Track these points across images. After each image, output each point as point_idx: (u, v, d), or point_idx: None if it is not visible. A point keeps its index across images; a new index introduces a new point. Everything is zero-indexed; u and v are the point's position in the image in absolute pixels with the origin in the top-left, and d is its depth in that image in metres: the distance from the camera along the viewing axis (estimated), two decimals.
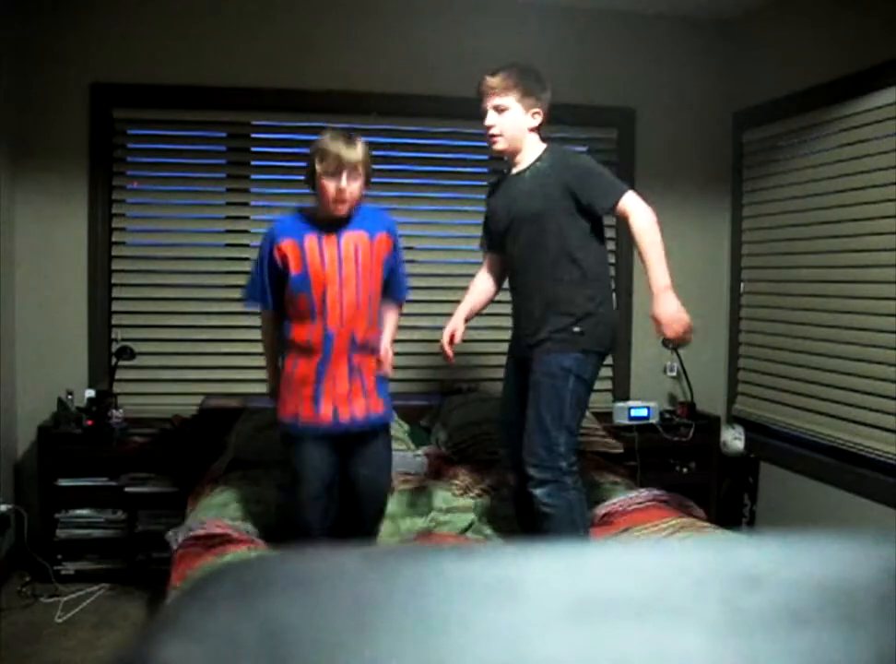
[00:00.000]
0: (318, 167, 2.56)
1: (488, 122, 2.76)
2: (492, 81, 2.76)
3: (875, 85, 3.31)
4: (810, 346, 3.73)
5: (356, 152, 2.59)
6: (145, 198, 4.03)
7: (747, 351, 4.25)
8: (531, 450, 2.59)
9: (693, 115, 4.32)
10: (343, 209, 2.58)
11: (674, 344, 2.72)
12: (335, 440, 2.63)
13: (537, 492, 2.57)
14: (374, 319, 2.66)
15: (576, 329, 2.59)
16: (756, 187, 4.18)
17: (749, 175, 4.24)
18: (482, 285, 2.92)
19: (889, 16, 3.22)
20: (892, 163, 3.24)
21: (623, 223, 2.65)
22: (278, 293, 2.64)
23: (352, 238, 2.62)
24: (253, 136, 4.12)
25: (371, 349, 2.65)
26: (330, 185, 2.55)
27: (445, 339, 2.79)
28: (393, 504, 3.03)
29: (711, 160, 4.36)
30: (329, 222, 2.60)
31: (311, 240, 2.59)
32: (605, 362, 2.79)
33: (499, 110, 2.74)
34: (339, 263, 2.59)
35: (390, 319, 2.77)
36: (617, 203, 2.59)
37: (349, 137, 2.62)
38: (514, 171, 2.78)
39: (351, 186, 2.57)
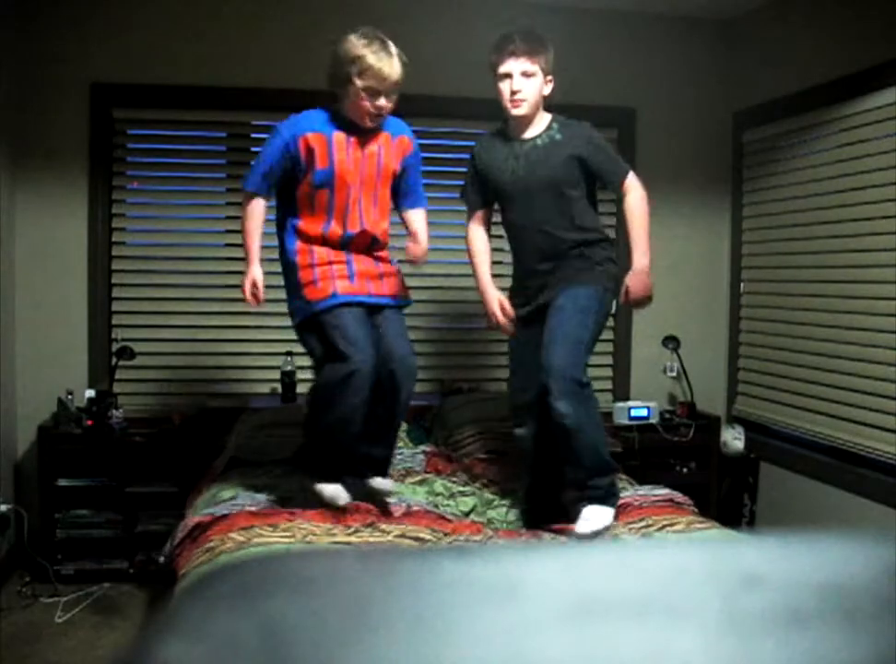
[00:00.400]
0: (357, 80, 2.56)
1: (516, 86, 2.73)
2: (523, 45, 2.75)
3: (875, 85, 3.31)
4: (810, 346, 3.73)
5: (399, 69, 2.59)
6: (145, 198, 4.04)
7: (747, 351, 4.25)
8: (554, 363, 2.61)
9: (693, 115, 4.32)
10: (376, 123, 2.61)
11: (633, 307, 2.87)
12: (369, 315, 2.64)
13: (561, 404, 2.57)
14: (387, 217, 2.76)
15: (599, 268, 2.78)
16: (756, 187, 4.18)
17: (749, 175, 4.24)
18: (485, 245, 2.95)
19: (889, 16, 3.22)
20: (892, 163, 3.24)
21: (618, 199, 2.86)
22: (282, 186, 2.66)
23: (376, 139, 2.66)
24: (253, 136, 4.12)
25: (385, 245, 2.75)
26: (367, 103, 2.55)
27: (497, 311, 2.78)
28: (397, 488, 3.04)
29: (711, 160, 4.36)
30: (356, 123, 2.63)
31: (339, 137, 2.59)
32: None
33: (526, 74, 2.75)
34: (363, 164, 2.61)
35: (421, 222, 2.80)
36: (624, 179, 2.78)
37: (389, 50, 2.61)
38: (525, 136, 2.81)
39: (389, 104, 2.59)
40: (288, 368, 3.84)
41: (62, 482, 3.51)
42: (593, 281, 2.74)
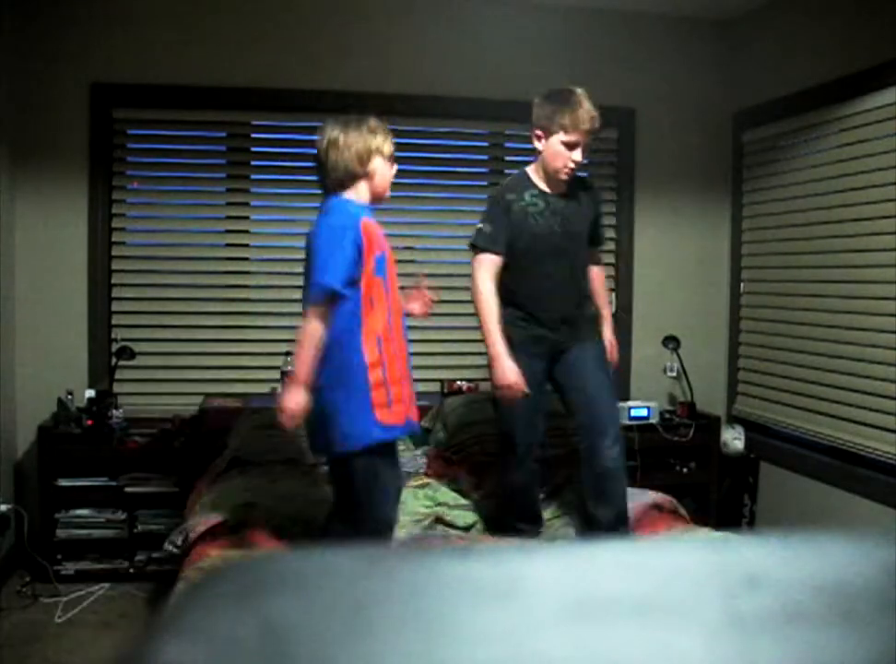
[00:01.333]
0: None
1: (581, 158, 2.79)
2: (598, 125, 2.80)
3: (875, 85, 3.31)
4: (810, 346, 3.73)
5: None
6: (145, 198, 4.03)
7: (747, 351, 4.25)
8: (606, 413, 2.82)
9: (693, 115, 4.32)
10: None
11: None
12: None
13: (615, 450, 2.77)
14: None
15: (594, 322, 2.98)
16: (756, 187, 4.18)
17: (749, 175, 4.24)
18: (497, 302, 2.80)
19: (888, 16, 3.22)
20: (892, 163, 3.24)
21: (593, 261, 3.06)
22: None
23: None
24: (253, 136, 4.12)
25: None
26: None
27: (520, 383, 2.68)
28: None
29: (711, 160, 4.36)
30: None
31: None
32: None
33: (586, 146, 2.82)
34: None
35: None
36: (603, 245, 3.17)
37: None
38: (558, 192, 2.86)
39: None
40: (289, 368, 3.84)
41: (62, 482, 3.51)
42: (598, 335, 2.96)
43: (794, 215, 3.86)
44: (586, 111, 2.71)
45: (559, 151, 2.74)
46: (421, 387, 4.11)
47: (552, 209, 2.83)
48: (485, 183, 4.33)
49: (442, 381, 4.11)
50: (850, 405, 3.48)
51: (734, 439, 4.04)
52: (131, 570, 3.56)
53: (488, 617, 0.34)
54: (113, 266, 3.91)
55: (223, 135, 4.06)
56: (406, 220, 4.16)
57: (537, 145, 2.81)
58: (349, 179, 2.52)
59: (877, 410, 3.34)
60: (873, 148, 3.37)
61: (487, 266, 2.78)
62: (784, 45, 3.89)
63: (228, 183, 4.07)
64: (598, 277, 3.05)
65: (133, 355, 3.71)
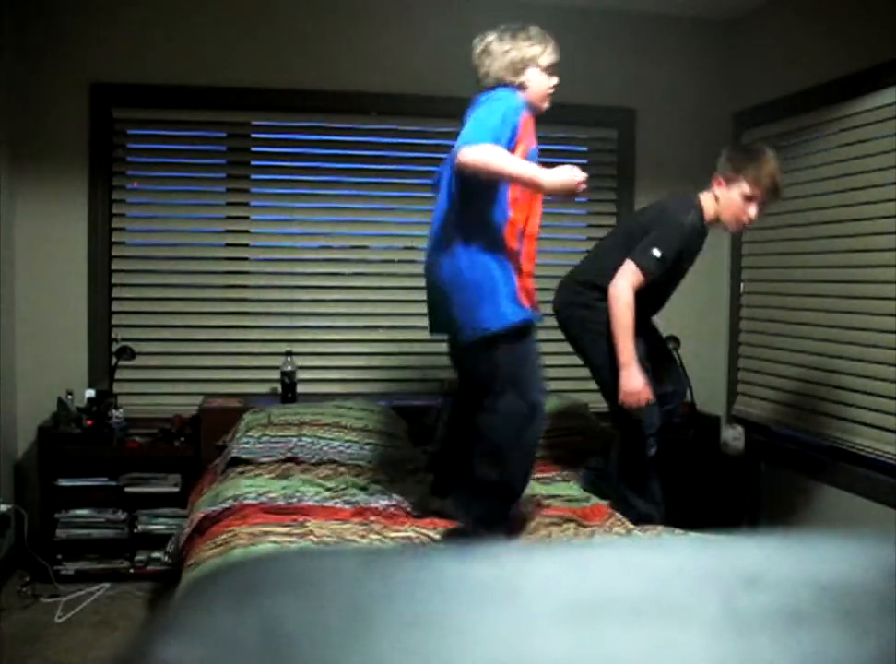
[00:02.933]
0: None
1: (756, 216, 2.96)
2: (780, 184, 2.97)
3: (875, 85, 3.31)
4: (810, 346, 3.73)
5: None
6: (145, 198, 4.03)
7: (747, 351, 4.25)
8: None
9: (693, 115, 4.32)
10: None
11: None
12: None
13: None
14: None
15: None
16: None
17: None
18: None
19: (889, 16, 3.22)
20: (892, 163, 3.24)
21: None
22: None
23: None
24: (253, 136, 4.12)
25: None
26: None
27: (648, 392, 2.78)
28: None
29: (711, 160, 4.34)
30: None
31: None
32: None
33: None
34: None
35: None
36: None
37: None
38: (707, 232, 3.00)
39: None
40: (288, 368, 3.84)
41: (62, 482, 3.51)
42: None
43: (794, 215, 3.86)
44: (773, 168, 2.82)
45: (738, 204, 2.86)
46: (422, 387, 4.12)
47: (700, 246, 3.00)
48: None
49: (442, 381, 4.11)
50: (850, 405, 3.48)
51: (734, 439, 4.04)
52: (131, 570, 3.56)
53: (488, 617, 0.34)
54: (113, 266, 3.91)
55: (223, 135, 4.06)
56: (406, 220, 4.16)
57: (717, 190, 2.91)
58: (501, 88, 2.47)
59: (877, 410, 3.34)
60: (873, 148, 3.37)
61: (636, 283, 2.80)
62: (784, 45, 3.89)
63: (228, 183, 4.07)
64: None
65: (133, 355, 3.71)
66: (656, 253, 2.78)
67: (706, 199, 2.93)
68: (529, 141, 2.46)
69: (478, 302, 2.40)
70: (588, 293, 2.95)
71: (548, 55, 2.51)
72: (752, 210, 2.85)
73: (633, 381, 2.74)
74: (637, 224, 3.01)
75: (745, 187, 2.82)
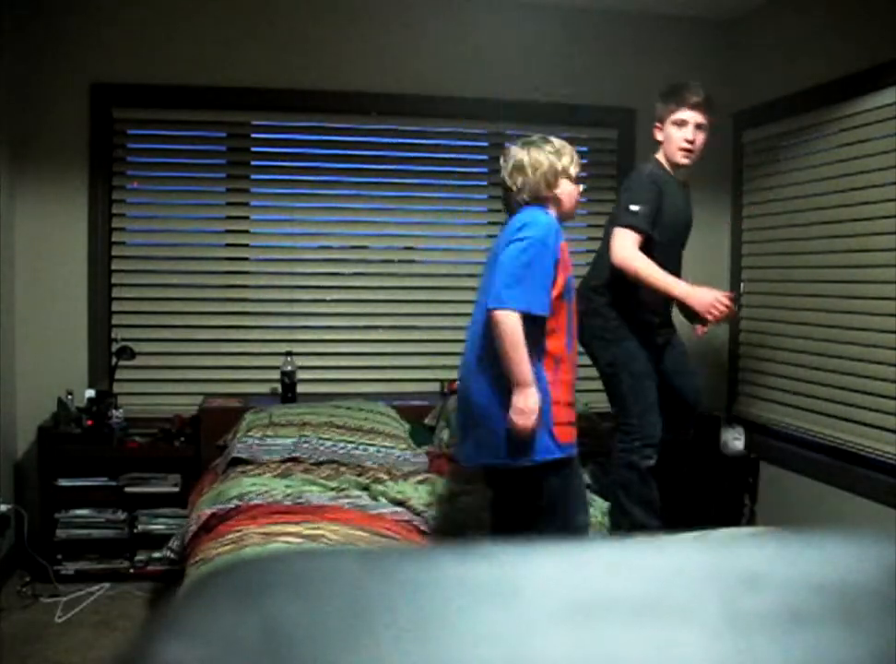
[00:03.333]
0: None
1: (692, 136, 2.90)
2: (703, 98, 2.90)
3: (875, 85, 3.31)
4: (810, 346, 3.73)
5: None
6: (145, 198, 4.03)
7: (747, 351, 4.25)
8: (699, 399, 3.27)
9: None
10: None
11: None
12: None
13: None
14: None
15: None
16: (756, 187, 4.18)
17: (749, 175, 4.24)
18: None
19: (889, 16, 3.22)
20: (892, 163, 3.23)
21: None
22: None
23: None
24: (253, 136, 4.12)
25: None
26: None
27: (728, 300, 2.81)
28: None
29: (711, 160, 4.34)
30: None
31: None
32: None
33: (699, 127, 2.93)
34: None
35: None
36: None
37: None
38: (678, 181, 3.00)
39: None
40: (288, 368, 3.84)
41: (62, 482, 3.51)
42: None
43: (794, 215, 3.86)
44: (693, 88, 2.88)
45: (671, 134, 2.91)
46: (422, 387, 4.11)
47: (686, 200, 3.02)
48: (485, 184, 4.33)
49: (442, 381, 4.11)
50: (850, 405, 3.48)
51: (734, 439, 4.04)
52: (131, 570, 3.56)
53: (487, 617, 0.34)
54: (113, 266, 3.91)
55: (223, 135, 4.06)
56: (406, 221, 4.16)
57: (658, 137, 2.98)
58: (536, 202, 2.48)
59: (877, 410, 3.34)
60: (873, 148, 3.37)
61: (634, 243, 2.81)
62: (784, 45, 3.89)
63: (228, 184, 4.07)
64: None
65: (133, 355, 3.71)
66: (633, 208, 2.82)
67: (658, 155, 3.02)
68: (567, 267, 2.50)
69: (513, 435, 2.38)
70: (597, 299, 2.96)
71: (575, 165, 2.53)
72: (685, 133, 2.90)
73: (709, 296, 2.80)
74: (612, 214, 3.11)
75: (667, 115, 2.93)
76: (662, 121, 2.94)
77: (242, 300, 4.08)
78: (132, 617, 3.22)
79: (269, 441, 3.40)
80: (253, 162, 4.11)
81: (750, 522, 4.02)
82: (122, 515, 3.55)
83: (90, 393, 3.64)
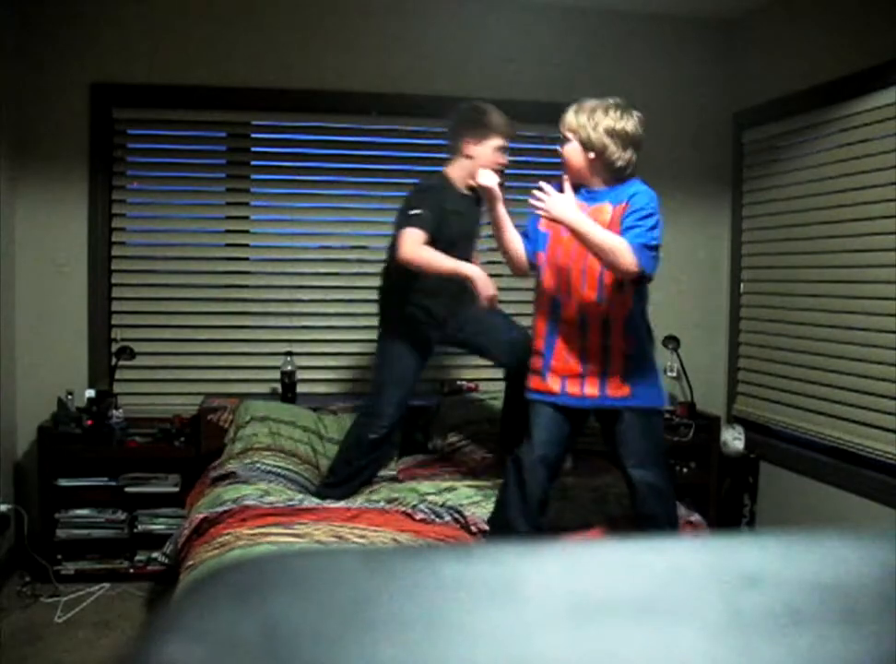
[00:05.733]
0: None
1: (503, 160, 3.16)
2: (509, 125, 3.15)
3: (875, 85, 3.31)
4: (810, 346, 3.73)
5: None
6: (145, 198, 4.03)
7: (747, 351, 4.25)
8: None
9: (693, 115, 4.32)
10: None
11: None
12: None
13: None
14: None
15: None
16: (756, 187, 4.18)
17: (749, 175, 4.24)
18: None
19: (889, 16, 3.22)
20: (892, 163, 3.24)
21: None
22: None
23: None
24: (253, 136, 4.12)
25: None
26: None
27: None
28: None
29: (711, 160, 4.35)
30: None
31: None
32: None
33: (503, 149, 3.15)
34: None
35: None
36: None
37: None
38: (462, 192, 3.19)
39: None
40: (288, 368, 3.84)
41: (62, 482, 3.51)
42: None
43: (794, 215, 3.86)
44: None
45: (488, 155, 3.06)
46: (420, 387, 4.11)
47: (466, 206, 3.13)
48: None
49: (441, 381, 4.11)
50: (850, 405, 3.48)
51: (734, 439, 4.04)
52: (131, 570, 3.56)
53: (488, 617, 0.34)
54: (113, 267, 3.91)
55: (223, 135, 4.06)
56: None
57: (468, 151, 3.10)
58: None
59: (877, 410, 3.34)
60: (873, 148, 3.37)
61: (415, 240, 2.95)
62: (784, 45, 3.89)
63: (228, 183, 4.07)
64: None
65: (133, 355, 3.71)
66: (414, 211, 2.97)
67: (451, 168, 3.13)
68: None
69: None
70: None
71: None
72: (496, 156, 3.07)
73: (489, 281, 2.87)
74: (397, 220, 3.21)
75: (493, 140, 3.06)
76: (476, 139, 3.06)
77: (242, 300, 4.08)
78: (132, 617, 3.22)
79: (267, 467, 3.38)
80: (253, 162, 4.11)
81: (750, 522, 4.02)
82: (122, 515, 3.55)
83: (90, 393, 3.64)
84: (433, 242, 2.94)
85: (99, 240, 3.85)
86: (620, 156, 2.56)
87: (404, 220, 2.98)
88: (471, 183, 2.99)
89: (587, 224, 2.44)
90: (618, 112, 2.56)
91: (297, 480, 3.27)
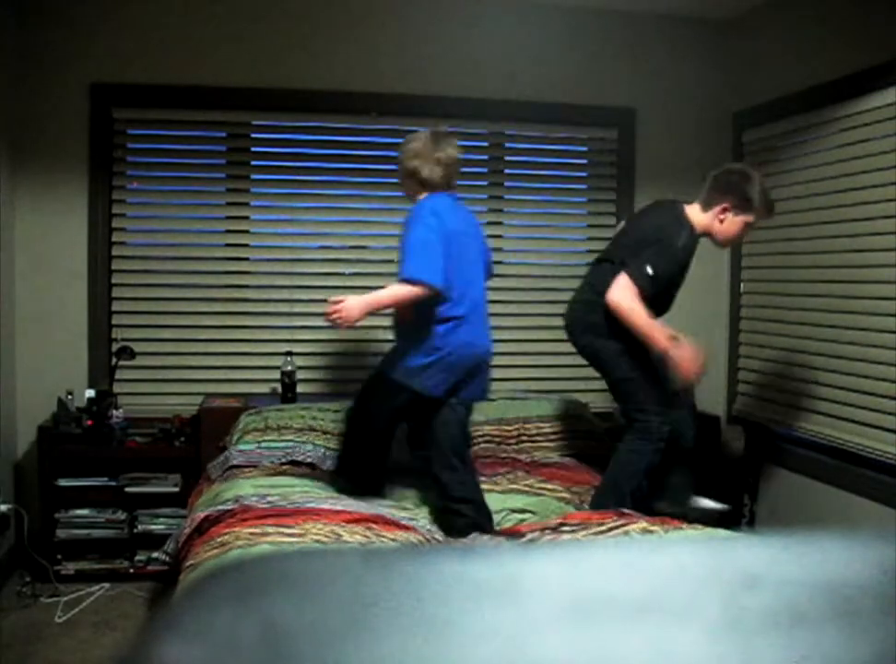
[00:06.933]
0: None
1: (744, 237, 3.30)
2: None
3: (875, 85, 3.31)
4: (810, 346, 3.73)
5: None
6: (145, 198, 4.03)
7: (747, 351, 4.25)
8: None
9: (693, 115, 4.32)
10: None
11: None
12: None
13: None
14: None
15: None
16: None
17: None
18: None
19: (889, 16, 3.22)
20: (892, 163, 3.23)
21: None
22: None
23: None
24: (253, 136, 4.12)
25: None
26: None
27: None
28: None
29: (711, 160, 4.34)
30: None
31: None
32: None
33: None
34: None
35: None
36: None
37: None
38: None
39: None
40: (289, 368, 3.84)
41: (62, 482, 3.51)
42: None
43: (793, 215, 3.86)
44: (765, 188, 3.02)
45: (735, 224, 3.00)
46: None
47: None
48: (485, 184, 4.33)
49: None
50: (850, 405, 3.48)
51: (734, 439, 4.04)
52: (131, 570, 3.56)
53: (488, 617, 0.34)
54: (113, 266, 3.90)
55: (223, 135, 4.05)
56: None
57: (721, 215, 3.01)
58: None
59: (877, 410, 3.34)
60: (873, 147, 3.37)
61: (631, 293, 2.90)
62: (784, 45, 3.89)
63: (228, 183, 4.07)
64: None
65: (133, 355, 3.71)
66: (649, 270, 2.88)
67: (694, 213, 3.01)
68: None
69: None
70: (596, 314, 3.00)
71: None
72: (743, 232, 3.07)
73: (684, 353, 2.85)
74: (630, 239, 3.06)
75: (749, 216, 2.98)
76: (735, 210, 2.97)
77: (242, 300, 4.07)
78: (132, 617, 3.22)
79: (266, 447, 3.40)
80: (253, 162, 4.11)
81: (750, 522, 4.02)
82: (122, 515, 3.55)
83: (90, 393, 3.64)
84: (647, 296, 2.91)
85: (99, 240, 3.85)
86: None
87: (634, 269, 2.89)
88: (709, 236, 3.00)
89: (374, 298, 2.83)
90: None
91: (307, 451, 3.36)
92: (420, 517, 2.93)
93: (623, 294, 2.85)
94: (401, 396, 2.84)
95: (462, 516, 2.82)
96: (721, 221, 2.99)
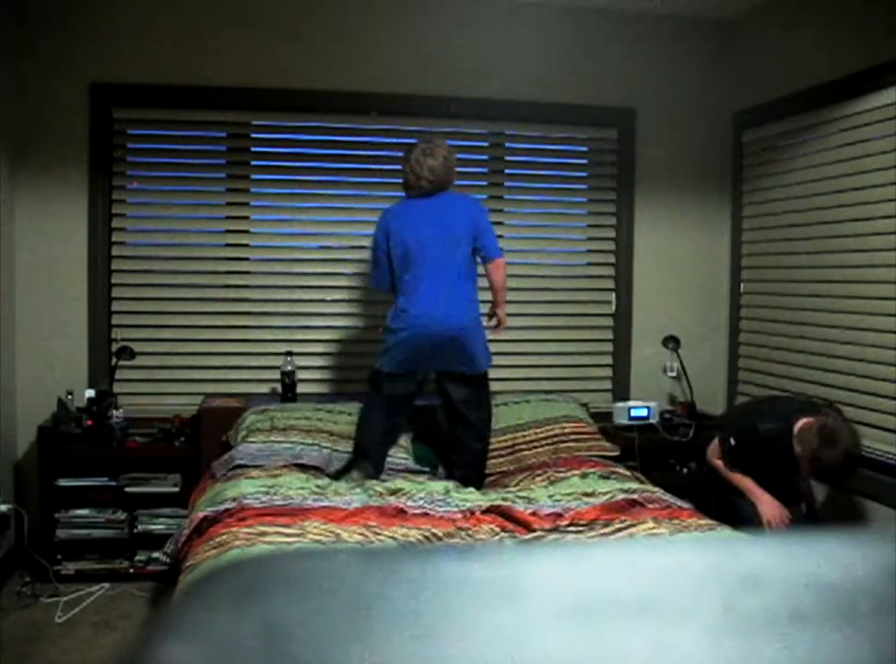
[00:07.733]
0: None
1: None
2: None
3: (875, 85, 3.31)
4: (810, 346, 3.73)
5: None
6: (145, 198, 4.03)
7: (747, 351, 4.25)
8: None
9: (693, 115, 4.32)
10: None
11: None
12: None
13: None
14: None
15: None
16: (756, 187, 4.18)
17: (749, 175, 4.24)
18: None
19: (889, 16, 3.22)
20: (892, 163, 3.24)
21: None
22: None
23: None
24: (253, 136, 4.12)
25: None
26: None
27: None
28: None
29: (711, 160, 4.36)
30: None
31: None
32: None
33: None
34: None
35: None
36: None
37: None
38: None
39: None
40: (289, 368, 3.84)
41: (62, 482, 3.51)
42: None
43: (794, 215, 3.86)
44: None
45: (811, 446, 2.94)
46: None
47: None
48: (485, 184, 4.33)
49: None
50: (850, 405, 3.48)
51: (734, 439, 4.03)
52: (131, 570, 3.56)
53: (488, 616, 0.34)
54: (113, 266, 3.91)
55: (223, 135, 4.06)
56: None
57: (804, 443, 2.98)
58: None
59: (877, 410, 3.34)
60: (873, 148, 3.37)
61: (716, 455, 3.34)
62: (784, 45, 3.89)
63: (228, 184, 4.07)
64: None
65: (133, 355, 3.71)
66: (731, 442, 3.24)
67: (805, 429, 2.94)
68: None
69: (484, 345, 3.39)
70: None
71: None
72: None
73: (768, 507, 3.15)
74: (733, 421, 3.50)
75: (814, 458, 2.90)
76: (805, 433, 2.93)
77: (242, 300, 4.08)
78: (132, 617, 3.22)
79: (271, 446, 3.40)
80: (253, 162, 4.11)
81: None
82: (122, 515, 3.55)
83: (90, 393, 3.64)
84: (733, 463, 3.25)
85: (99, 240, 3.85)
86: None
87: (726, 432, 3.28)
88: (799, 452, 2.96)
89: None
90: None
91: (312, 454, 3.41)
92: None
93: (713, 454, 3.34)
94: (374, 377, 3.41)
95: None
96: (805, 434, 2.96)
